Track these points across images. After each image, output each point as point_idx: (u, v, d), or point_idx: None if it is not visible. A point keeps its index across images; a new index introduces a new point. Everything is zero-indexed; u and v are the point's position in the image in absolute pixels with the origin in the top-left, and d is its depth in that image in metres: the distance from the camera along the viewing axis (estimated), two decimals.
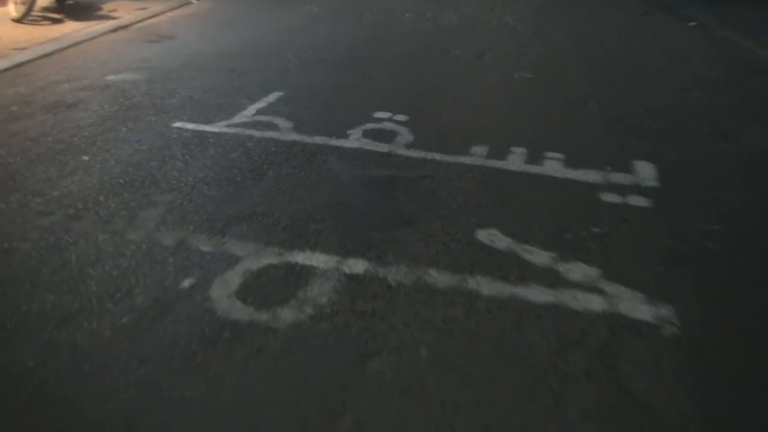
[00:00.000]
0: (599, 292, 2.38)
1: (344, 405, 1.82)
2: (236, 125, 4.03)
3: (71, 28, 6.75)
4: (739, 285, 2.47)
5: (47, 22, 7.01)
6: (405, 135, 3.88)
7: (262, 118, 4.17)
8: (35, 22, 6.96)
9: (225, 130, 3.95)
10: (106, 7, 7.95)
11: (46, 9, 7.39)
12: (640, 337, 2.14)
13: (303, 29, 7.12)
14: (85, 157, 3.50)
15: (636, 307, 2.30)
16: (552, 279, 2.45)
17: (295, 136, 3.85)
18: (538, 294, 2.36)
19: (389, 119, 4.15)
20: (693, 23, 7.71)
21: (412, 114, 4.24)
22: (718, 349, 2.11)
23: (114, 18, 7.34)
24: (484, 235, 2.76)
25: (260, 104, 4.43)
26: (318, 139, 3.80)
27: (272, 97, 4.60)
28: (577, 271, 2.51)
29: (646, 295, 2.36)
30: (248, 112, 4.27)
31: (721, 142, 4.01)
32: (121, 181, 3.22)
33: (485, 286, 2.40)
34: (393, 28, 7.39)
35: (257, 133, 3.89)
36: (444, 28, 7.40)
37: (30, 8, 6.87)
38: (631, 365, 2.01)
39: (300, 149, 3.66)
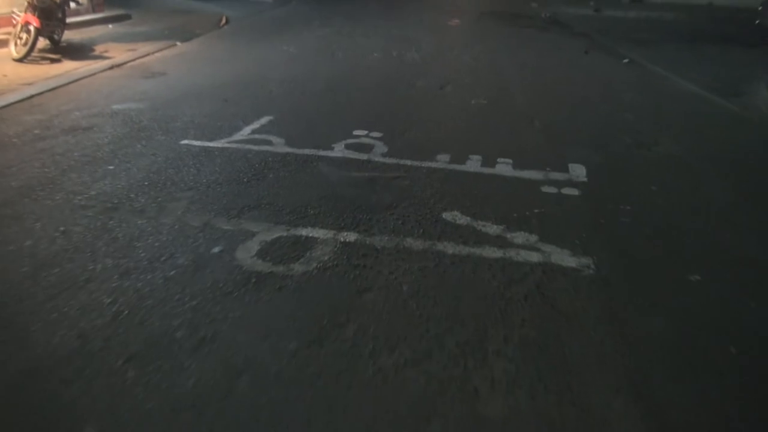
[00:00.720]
0: (537, 250, 3.11)
1: (348, 319, 2.48)
2: (236, 141, 4.71)
3: (70, 67, 7.38)
4: (639, 244, 3.25)
5: (46, 62, 7.62)
6: (381, 147, 4.63)
7: (257, 136, 4.86)
8: (35, 61, 7.57)
9: (227, 145, 4.63)
10: (98, 48, 8.61)
11: (42, 50, 8.00)
12: (565, 276, 2.87)
13: (282, 65, 7.91)
14: (110, 167, 4.12)
15: (564, 258, 3.03)
16: (501, 243, 3.18)
17: (288, 149, 4.55)
18: (490, 252, 3.07)
19: (366, 135, 4.89)
20: (626, 60, 8.79)
21: (385, 131, 5.00)
22: (620, 281, 2.85)
23: (107, 58, 8.00)
24: (448, 216, 3.48)
25: (254, 125, 5.13)
26: (307, 151, 4.51)
27: (264, 120, 5.31)
28: (520, 237, 3.24)
29: (571, 251, 3.10)
30: (244, 132, 4.96)
31: (640, 150, 4.87)
32: (146, 183, 3.85)
33: (450, 248, 3.11)
34: (363, 63, 8.24)
35: (255, 147, 4.58)
36: (409, 64, 8.28)
37: (31, 49, 7.48)
38: (558, 293, 2.73)
39: (293, 158, 4.36)
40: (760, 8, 9.97)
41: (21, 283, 2.66)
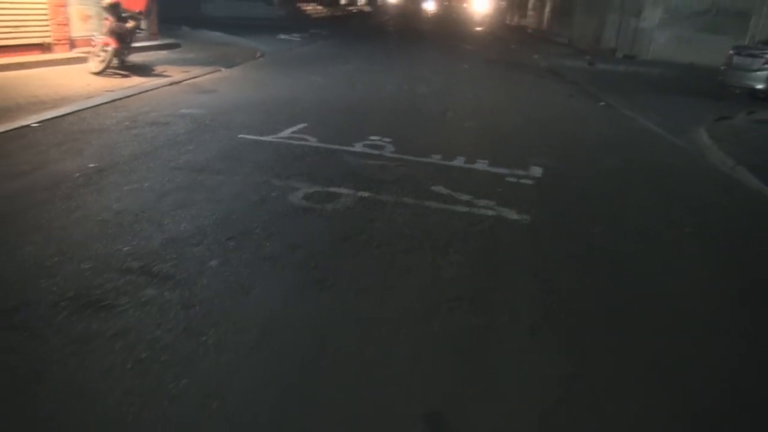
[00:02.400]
0: (493, 209, 4.52)
1: (363, 231, 3.88)
2: (280, 138, 6.19)
3: (138, 81, 8.97)
4: (564, 210, 4.65)
5: (118, 76, 9.23)
6: (390, 147, 6.09)
7: (295, 135, 6.34)
8: (109, 75, 9.17)
9: (273, 139, 6.10)
10: (157, 69, 10.24)
11: (113, 67, 9.62)
12: (508, 223, 4.27)
13: (311, 91, 9.48)
14: (190, 147, 5.59)
15: (510, 214, 4.44)
16: (469, 204, 4.59)
17: (320, 144, 6.02)
18: (460, 208, 4.48)
19: (379, 139, 6.36)
20: (603, 103, 10.33)
21: (394, 138, 6.46)
22: (544, 227, 4.25)
23: (167, 76, 9.61)
24: (434, 188, 4.91)
25: (292, 129, 6.62)
26: (335, 146, 5.97)
27: (299, 125, 6.80)
28: (483, 202, 4.65)
29: (517, 211, 4.50)
30: (285, 132, 6.44)
31: (591, 162, 6.31)
32: (218, 157, 5.31)
33: (433, 204, 4.52)
34: (379, 93, 9.80)
35: (295, 142, 6.05)
36: (418, 96, 9.83)
37: (107, 66, 9.10)
38: (502, 231, 4.13)
39: (324, 150, 5.83)
40: (722, 68, 11.54)
41: (150, 204, 4.09)
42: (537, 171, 5.69)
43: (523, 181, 5.35)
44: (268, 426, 2.13)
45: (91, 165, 4.83)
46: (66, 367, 2.32)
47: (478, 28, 37.24)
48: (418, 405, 2.30)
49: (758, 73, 10.44)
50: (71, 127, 6.03)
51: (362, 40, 21.37)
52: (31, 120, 6.08)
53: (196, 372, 2.35)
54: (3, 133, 5.58)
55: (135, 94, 8.01)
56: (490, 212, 4.46)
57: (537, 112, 9.24)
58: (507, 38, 29.05)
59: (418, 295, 3.16)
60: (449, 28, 34.80)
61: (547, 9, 33.21)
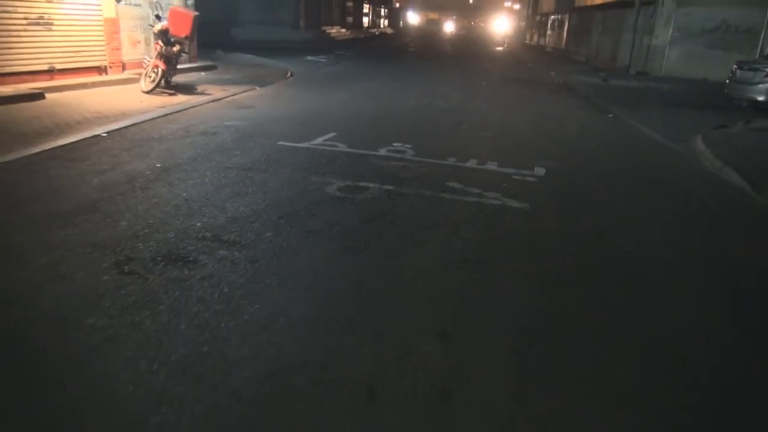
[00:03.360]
0: (499, 199, 5.29)
1: (387, 214, 4.68)
2: (314, 144, 7.06)
3: (183, 99, 9.98)
4: (560, 201, 5.40)
5: (165, 95, 10.25)
6: (410, 151, 6.90)
7: (327, 142, 7.20)
8: (158, 94, 10.20)
9: (308, 146, 6.97)
10: (199, 88, 11.28)
11: (162, 87, 10.66)
12: (511, 210, 5.04)
13: (338, 105, 10.38)
14: (237, 152, 6.48)
15: (513, 203, 5.20)
16: (478, 196, 5.36)
17: (349, 150, 6.86)
18: (471, 198, 5.26)
19: (401, 146, 7.18)
20: (611, 115, 11.03)
21: (414, 144, 7.28)
22: (542, 213, 5.00)
23: (209, 94, 10.62)
24: (449, 183, 5.69)
25: (325, 137, 7.48)
26: (362, 151, 6.81)
27: (330, 134, 7.66)
28: (491, 194, 5.43)
29: (518, 201, 5.27)
30: (318, 140, 7.31)
31: (590, 163, 7.05)
32: (262, 160, 6.18)
33: (448, 195, 5.31)
34: (400, 107, 10.66)
35: (327, 148, 6.91)
36: (436, 110, 10.67)
37: (157, 85, 10.14)
38: (505, 215, 4.89)
39: (353, 154, 6.67)
40: (727, 81, 12.17)
41: (212, 194, 4.96)
42: (540, 171, 6.44)
43: (527, 178, 6.11)
44: (322, 330, 2.92)
45: (157, 165, 5.74)
46: (171, 297, 3.15)
47: (498, 48, 38.19)
48: (429, 323, 3.08)
49: (760, 85, 11.04)
50: (134, 136, 6.99)
51: (385, 60, 22.40)
52: (100, 131, 7.06)
53: (265, 301, 3.16)
54: (80, 141, 6.54)
55: (183, 110, 8.99)
56: (496, 201, 5.23)
57: (546, 123, 9.99)
58: (525, 57, 29.89)
59: (433, 258, 3.94)
60: (469, 48, 35.81)
61: (566, 28, 34.02)
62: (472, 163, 6.58)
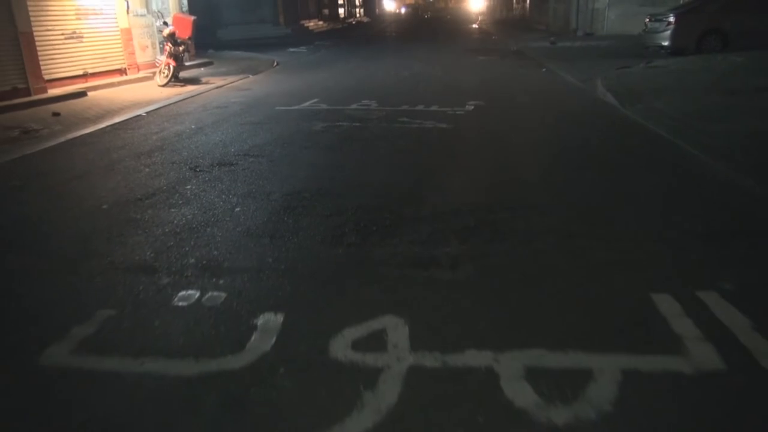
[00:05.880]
0: (432, 125, 7.66)
1: (356, 137, 7.05)
2: (303, 106, 9.41)
3: (193, 88, 12.28)
4: (479, 122, 7.80)
5: (178, 86, 12.53)
6: (375, 104, 9.27)
7: (312, 105, 9.55)
8: (171, 86, 12.49)
9: (298, 107, 9.32)
10: (204, 79, 13.58)
11: (173, 81, 12.95)
12: (441, 129, 7.42)
13: (320, 82, 12.69)
14: (247, 116, 8.82)
15: (442, 125, 7.57)
16: (420, 124, 7.73)
17: (329, 107, 9.21)
18: (413, 126, 7.64)
19: (368, 102, 9.53)
20: (544, 69, 13.39)
21: (377, 100, 9.63)
22: (462, 131, 7.39)
23: (212, 84, 12.92)
24: (401, 119, 8.06)
25: (310, 102, 9.83)
26: (338, 107, 9.16)
27: (314, 99, 10.00)
28: (428, 122, 7.80)
29: (446, 124, 7.64)
30: (306, 104, 9.64)
31: (510, 100, 9.42)
32: (266, 118, 8.52)
33: (397, 125, 7.69)
34: (371, 79, 12.96)
35: (313, 107, 9.26)
36: (399, 78, 12.96)
37: (170, 79, 12.44)
38: (435, 132, 7.27)
39: (332, 109, 9.02)
40: (642, 32, 14.53)
41: (236, 137, 7.32)
42: (470, 107, 8.81)
43: (458, 112, 8.48)
44: (318, 179, 5.29)
45: (192, 126, 8.10)
46: (228, 176, 5.51)
47: (471, 26, 40.39)
48: (379, 176, 5.47)
49: (663, 33, 13.40)
50: (167, 113, 9.34)
51: (360, 47, 24.66)
52: (140, 112, 9.39)
53: (282, 173, 5.54)
54: (130, 119, 8.89)
55: (196, 95, 11.32)
56: (430, 125, 7.59)
57: (488, 79, 12.34)
58: (492, 31, 32.15)
59: (382, 152, 6.32)
60: (442, 28, 38.01)
61: (528, 1, 36.27)
62: (420, 107, 8.94)
